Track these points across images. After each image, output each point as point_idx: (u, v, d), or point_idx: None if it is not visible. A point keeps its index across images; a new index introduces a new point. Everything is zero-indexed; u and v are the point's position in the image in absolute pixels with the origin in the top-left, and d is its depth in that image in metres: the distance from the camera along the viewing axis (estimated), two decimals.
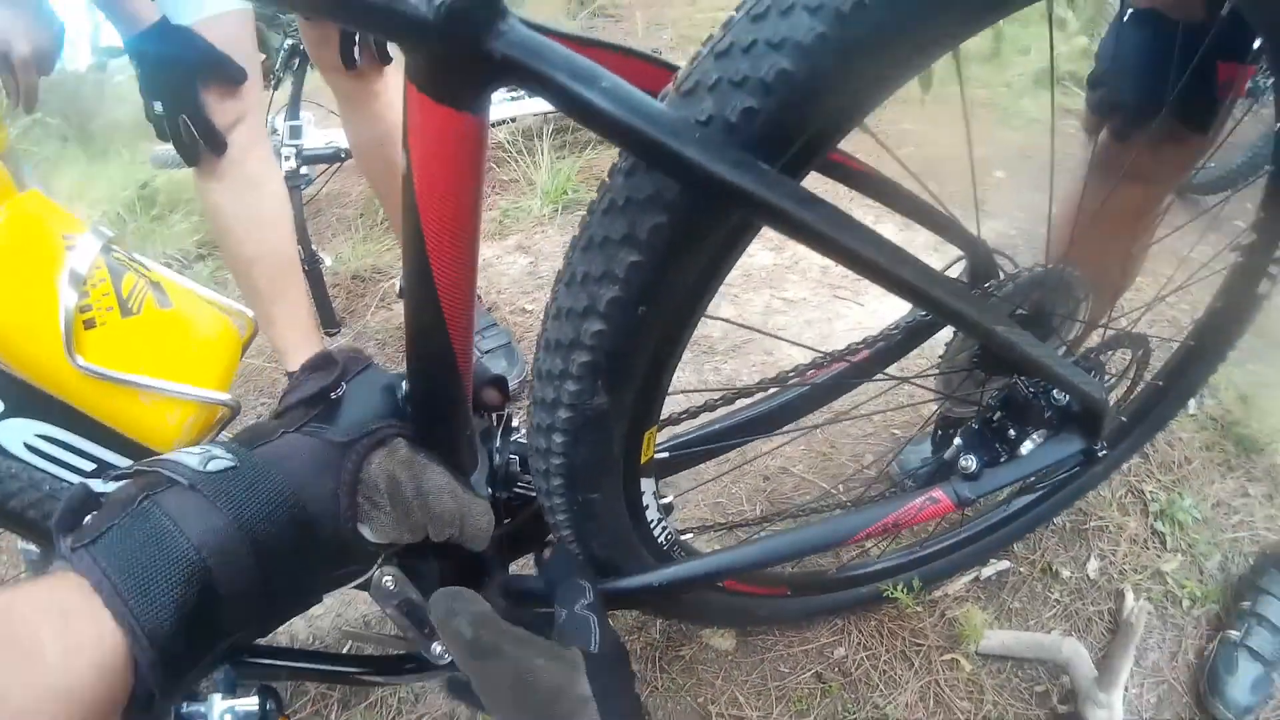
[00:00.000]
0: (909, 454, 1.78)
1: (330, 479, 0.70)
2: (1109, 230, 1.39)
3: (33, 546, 1.69)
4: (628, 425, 0.85)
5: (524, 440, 1.00)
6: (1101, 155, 1.39)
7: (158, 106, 1.59)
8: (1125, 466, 1.82)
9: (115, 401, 0.82)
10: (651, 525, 1.04)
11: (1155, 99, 1.22)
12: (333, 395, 0.77)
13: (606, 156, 3.13)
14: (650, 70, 0.77)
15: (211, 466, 0.65)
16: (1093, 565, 1.68)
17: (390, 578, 0.85)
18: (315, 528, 0.68)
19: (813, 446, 1.94)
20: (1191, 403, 1.98)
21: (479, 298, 2.40)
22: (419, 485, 0.75)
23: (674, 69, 0.70)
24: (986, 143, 3.25)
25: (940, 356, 1.23)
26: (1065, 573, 1.67)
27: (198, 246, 3.08)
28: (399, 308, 2.59)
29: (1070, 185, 1.49)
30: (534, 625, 0.79)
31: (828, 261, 2.46)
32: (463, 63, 0.55)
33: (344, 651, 1.51)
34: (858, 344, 1.23)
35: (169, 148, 1.69)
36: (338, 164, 2.91)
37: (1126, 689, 1.45)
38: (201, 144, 1.64)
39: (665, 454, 1.13)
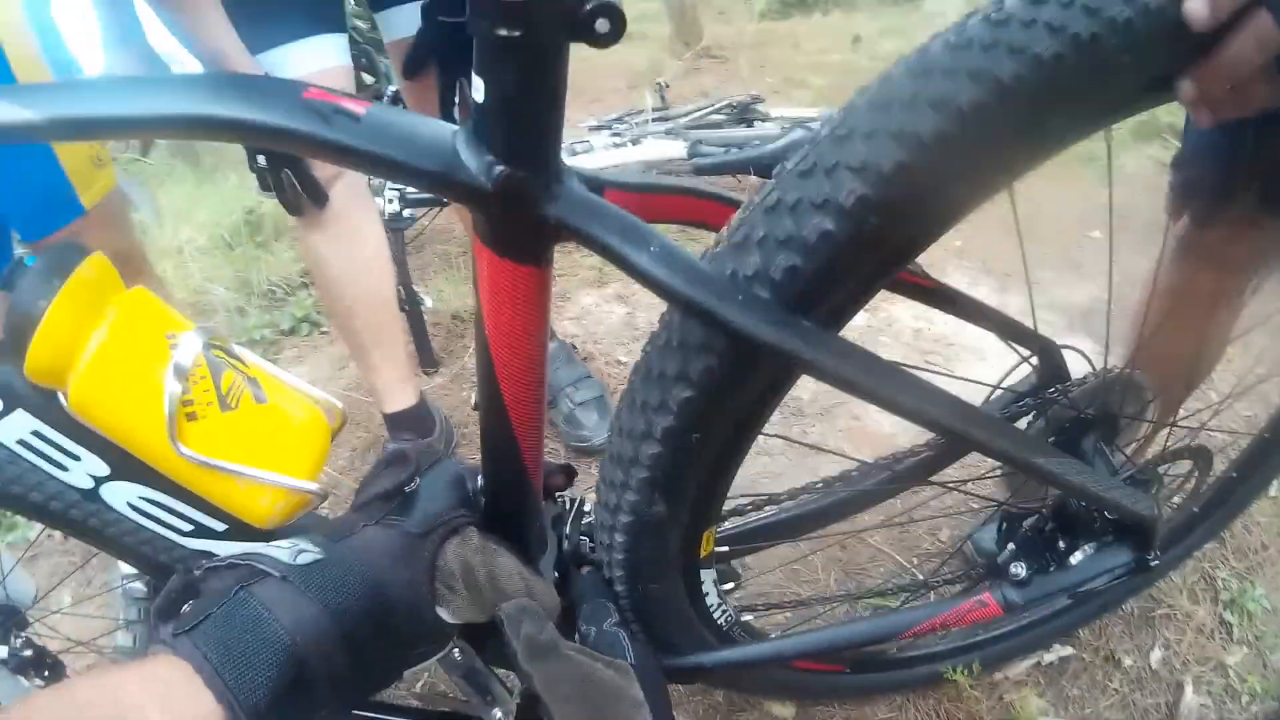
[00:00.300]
0: (982, 535, 1.78)
1: (408, 568, 0.77)
2: (1187, 321, 1.38)
3: (140, 585, 1.81)
4: (686, 528, 0.92)
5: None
6: (1182, 240, 1.36)
7: (261, 160, 1.61)
8: (1199, 552, 1.75)
9: (214, 484, 0.90)
10: (711, 610, 1.10)
11: (1233, 183, 1.20)
12: (407, 489, 0.84)
13: None
14: (714, 207, 0.83)
15: (300, 559, 0.73)
16: (1156, 654, 1.65)
17: (459, 650, 0.95)
18: (396, 613, 0.75)
19: (890, 515, 1.93)
20: (1274, 484, 1.89)
21: (574, 347, 2.47)
22: (490, 570, 0.80)
23: (735, 205, 0.76)
24: (1083, 200, 3.19)
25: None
26: (1127, 661, 1.64)
27: (301, 275, 3.12)
28: None
29: (1150, 277, 1.45)
30: None
31: (920, 325, 2.55)
32: (521, 225, 0.63)
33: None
34: (912, 449, 1.25)
35: None
36: (440, 208, 2.93)
37: None
38: (304, 197, 1.67)
39: (725, 548, 1.18)
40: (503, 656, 0.98)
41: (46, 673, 1.44)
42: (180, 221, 3.47)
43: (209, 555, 1.00)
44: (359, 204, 1.84)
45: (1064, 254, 2.99)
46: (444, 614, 0.80)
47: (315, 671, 0.68)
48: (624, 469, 0.85)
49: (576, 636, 0.96)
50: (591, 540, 1.08)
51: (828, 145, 0.64)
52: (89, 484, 0.92)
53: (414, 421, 2.09)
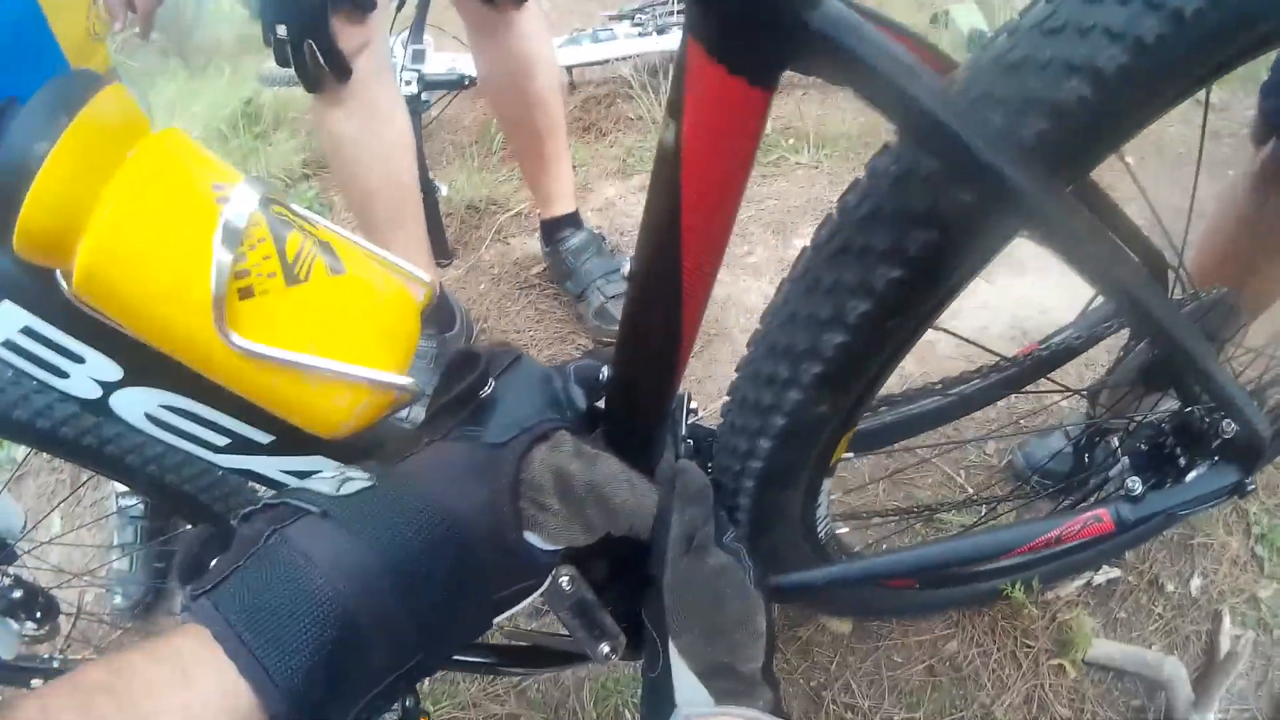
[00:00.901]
0: (1034, 449, 1.74)
1: (485, 486, 0.63)
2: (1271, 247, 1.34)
3: (135, 502, 1.69)
4: (834, 431, 0.84)
5: (701, 424, 0.98)
6: (1269, 167, 1.31)
7: (281, 30, 1.50)
8: None
9: (272, 382, 0.67)
10: (818, 523, 1.03)
11: None
12: (481, 394, 0.69)
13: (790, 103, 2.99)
14: (930, 59, 0.73)
15: (345, 490, 0.59)
16: (1195, 583, 1.65)
17: (567, 578, 0.76)
18: (473, 543, 0.61)
19: (946, 433, 1.88)
20: None
21: (603, 238, 2.34)
22: (592, 478, 0.67)
23: (952, 63, 0.66)
24: None
25: (1108, 369, 1.19)
26: (1170, 587, 1.64)
27: (303, 166, 2.99)
28: (515, 242, 2.55)
29: (1228, 200, 1.43)
30: None
31: None
32: (774, 34, 0.50)
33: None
34: (1032, 353, 1.19)
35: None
36: (459, 90, 2.80)
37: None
38: (327, 71, 1.56)
39: (850, 454, 1.11)
40: (617, 581, 0.82)
41: (39, 613, 1.29)
42: (174, 117, 3.28)
43: (248, 475, 0.85)
44: (383, 79, 1.71)
45: (1098, 177, 2.88)
46: (537, 540, 0.66)
47: (367, 624, 0.54)
48: (790, 364, 0.75)
49: None
50: (697, 443, 0.98)
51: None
52: (95, 393, 0.73)
53: (434, 314, 2.03)
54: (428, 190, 2.25)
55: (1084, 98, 0.54)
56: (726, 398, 0.87)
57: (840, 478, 1.78)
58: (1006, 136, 0.56)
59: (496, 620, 0.68)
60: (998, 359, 1.09)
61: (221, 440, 0.79)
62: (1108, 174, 0.81)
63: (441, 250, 2.41)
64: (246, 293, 0.64)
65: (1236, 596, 1.62)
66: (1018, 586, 1.48)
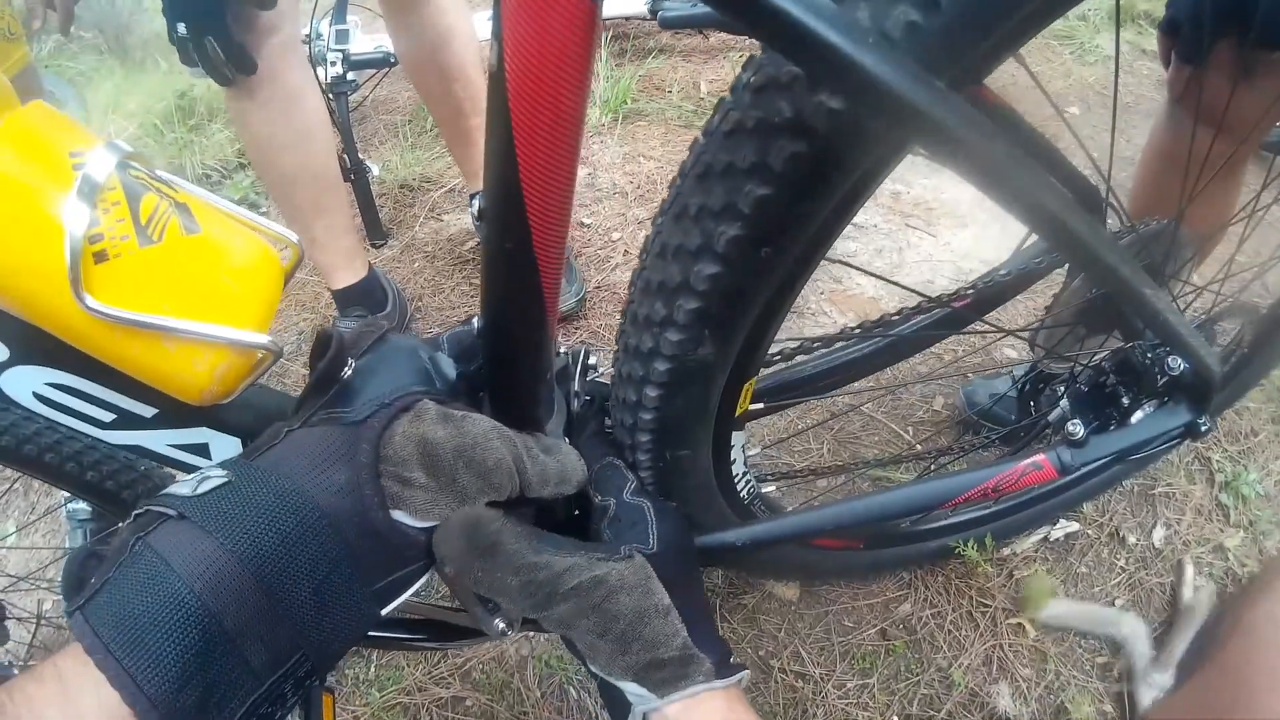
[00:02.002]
0: (977, 388, 1.69)
1: (345, 469, 0.60)
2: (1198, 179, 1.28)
3: (83, 506, 1.66)
4: (730, 377, 0.77)
5: (603, 380, 0.92)
6: (1174, 88, 1.29)
7: (181, 29, 1.52)
8: None
9: (133, 347, 0.68)
10: (736, 480, 0.97)
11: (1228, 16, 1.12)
12: (342, 375, 0.67)
13: (667, 66, 3.00)
14: None
15: (202, 489, 0.57)
16: (1158, 534, 1.61)
17: None
18: (336, 531, 0.58)
19: (879, 382, 1.83)
20: None
21: None
22: (459, 442, 0.63)
23: None
24: (1062, 78, 3.09)
25: (1046, 308, 1.14)
26: (1131, 539, 1.60)
27: (238, 156, 2.96)
28: (449, 218, 2.51)
29: (1155, 131, 1.39)
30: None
31: (898, 188, 2.42)
32: None
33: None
34: (957, 291, 1.13)
35: None
36: (386, 69, 2.77)
37: None
38: (230, 65, 1.57)
39: (759, 404, 1.05)
40: None
41: None
42: (110, 112, 3.28)
43: (138, 451, 0.84)
44: (293, 66, 1.71)
45: (1043, 127, 2.86)
46: (407, 518, 0.62)
47: (235, 629, 0.53)
48: (666, 300, 0.68)
49: (595, 508, 0.80)
50: (597, 400, 0.93)
51: None
52: None
53: (364, 296, 2.01)
54: (359, 171, 2.23)
55: None
56: (615, 345, 0.81)
57: (778, 433, 1.74)
58: (871, 31, 0.49)
59: (386, 611, 0.64)
60: (920, 300, 1.02)
61: (107, 416, 0.80)
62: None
63: (376, 231, 2.37)
64: (101, 256, 0.64)
65: (1202, 546, 1.59)
66: (970, 544, 1.43)
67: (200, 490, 0.57)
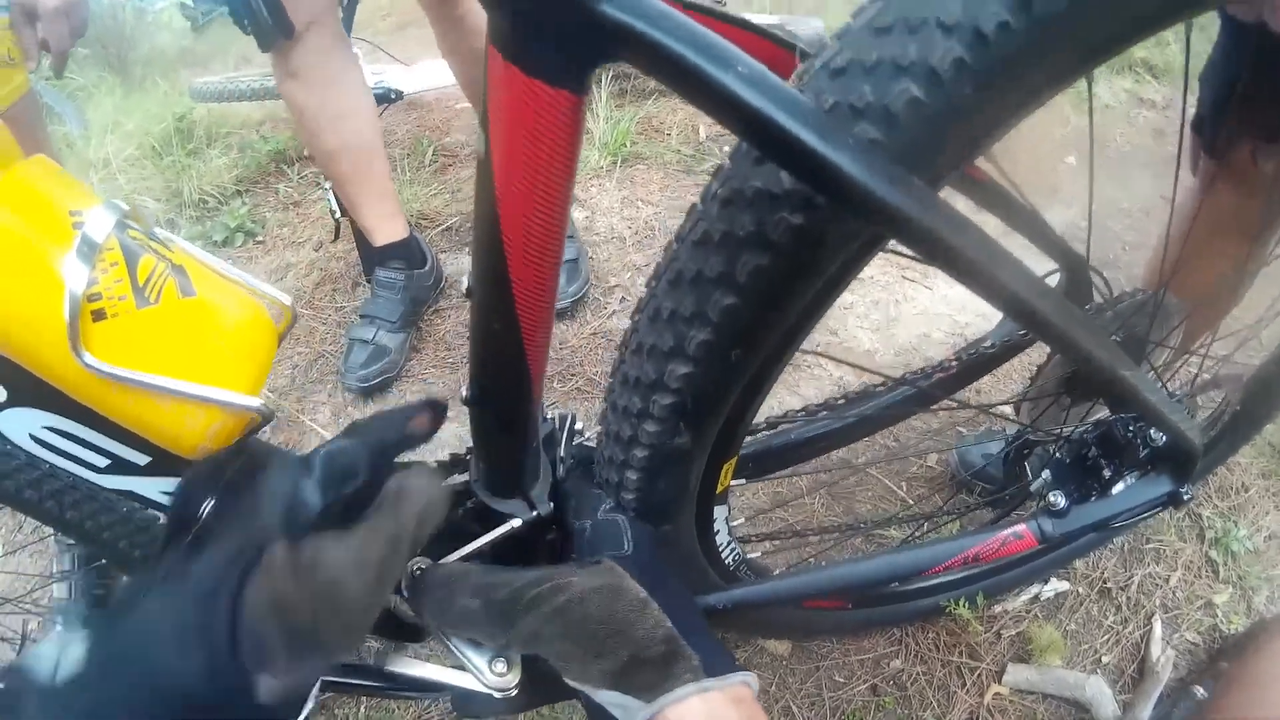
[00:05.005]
0: (970, 449, 1.70)
1: (203, 650, 0.53)
2: (1212, 251, 1.30)
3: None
4: (708, 461, 0.79)
5: (588, 444, 0.94)
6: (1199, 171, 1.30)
7: None
8: None
9: (128, 403, 0.69)
10: (720, 549, 0.99)
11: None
12: (200, 514, 0.63)
13: (666, 109, 2.98)
14: (772, 50, 0.68)
15: (62, 673, 0.53)
16: (1145, 591, 1.61)
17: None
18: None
19: (877, 440, 1.85)
20: None
21: None
22: (324, 590, 0.55)
23: (796, 51, 0.63)
24: (1060, 126, 3.09)
25: (1029, 379, 1.15)
26: (1121, 597, 1.60)
27: (235, 183, 2.95)
28: (445, 258, 2.50)
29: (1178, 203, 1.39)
30: None
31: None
32: (564, 28, 0.45)
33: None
34: (939, 364, 1.14)
35: (210, 79, 1.78)
36: (386, 105, 2.80)
37: None
38: (273, 25, 1.71)
39: (741, 480, 1.06)
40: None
41: None
42: (108, 132, 3.25)
43: (131, 496, 0.83)
44: (336, 53, 1.90)
45: (1041, 179, 2.87)
46: (270, 685, 0.56)
47: None
48: (643, 395, 0.70)
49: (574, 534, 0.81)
50: (584, 466, 0.93)
51: None
52: None
53: (404, 251, 2.19)
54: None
55: (915, 99, 0.49)
56: (598, 427, 0.82)
57: (776, 493, 1.74)
58: (843, 136, 0.48)
59: None
60: (884, 380, 1.03)
61: (102, 461, 0.79)
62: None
63: (370, 269, 2.34)
64: (99, 315, 0.66)
65: (1192, 604, 1.59)
66: (961, 602, 1.44)
67: (62, 673, 0.53)
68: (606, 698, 0.64)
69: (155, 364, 0.68)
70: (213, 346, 0.73)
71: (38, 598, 1.73)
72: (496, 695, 0.75)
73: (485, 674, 0.75)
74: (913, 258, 0.54)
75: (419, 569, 0.71)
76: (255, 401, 0.74)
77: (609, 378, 0.78)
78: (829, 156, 0.45)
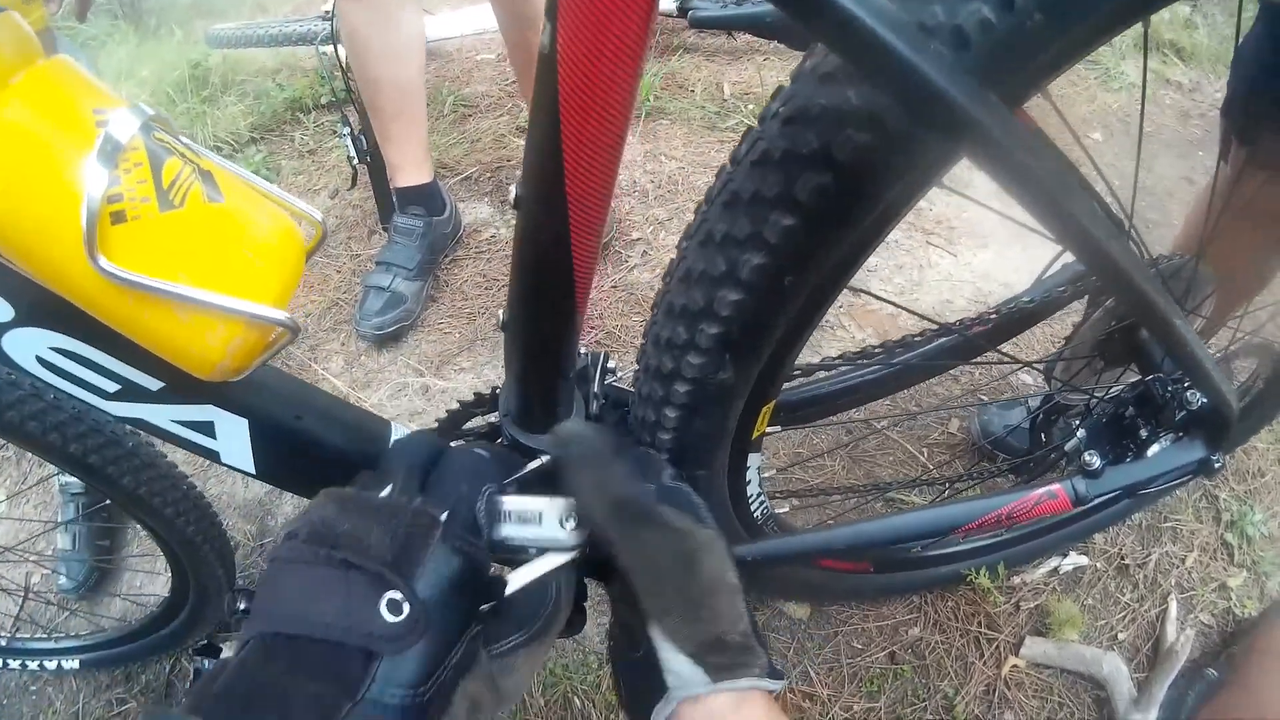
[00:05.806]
0: (992, 417, 1.68)
1: None
2: (1247, 228, 1.27)
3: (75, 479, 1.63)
4: (749, 400, 0.77)
5: (620, 385, 0.93)
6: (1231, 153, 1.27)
7: None
8: None
9: (144, 314, 0.66)
10: (750, 500, 0.97)
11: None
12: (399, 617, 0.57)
13: (690, 65, 2.94)
14: None
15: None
16: (1162, 570, 1.60)
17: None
18: None
19: (898, 403, 1.84)
20: None
21: None
22: (502, 684, 0.63)
23: None
24: (1086, 103, 3.06)
25: (1065, 339, 1.13)
26: (1139, 574, 1.59)
27: (250, 130, 2.90)
28: (464, 206, 2.46)
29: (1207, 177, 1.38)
30: None
31: (921, 204, 2.38)
32: None
33: None
34: (978, 317, 1.12)
35: (229, 25, 1.69)
36: None
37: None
38: None
39: (776, 427, 1.04)
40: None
41: None
42: (122, 80, 3.20)
43: (139, 424, 0.81)
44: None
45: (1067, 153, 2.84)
46: None
47: None
48: (689, 324, 0.68)
49: None
50: (615, 406, 0.93)
51: None
52: None
53: (424, 197, 2.16)
54: (375, 154, 2.22)
55: (986, 20, 0.46)
56: (636, 365, 0.80)
57: (796, 453, 1.73)
58: (928, 46, 0.46)
59: None
60: (938, 326, 1.01)
61: (111, 386, 0.77)
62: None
63: (388, 214, 2.30)
64: (119, 217, 0.62)
65: (1207, 585, 1.58)
66: (982, 571, 1.43)
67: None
68: (675, 661, 0.62)
69: (176, 271, 0.65)
70: (238, 256, 0.69)
71: (41, 548, 1.73)
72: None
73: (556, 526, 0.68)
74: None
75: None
76: (282, 314, 0.71)
77: (651, 310, 0.76)
78: (917, 64, 0.43)
